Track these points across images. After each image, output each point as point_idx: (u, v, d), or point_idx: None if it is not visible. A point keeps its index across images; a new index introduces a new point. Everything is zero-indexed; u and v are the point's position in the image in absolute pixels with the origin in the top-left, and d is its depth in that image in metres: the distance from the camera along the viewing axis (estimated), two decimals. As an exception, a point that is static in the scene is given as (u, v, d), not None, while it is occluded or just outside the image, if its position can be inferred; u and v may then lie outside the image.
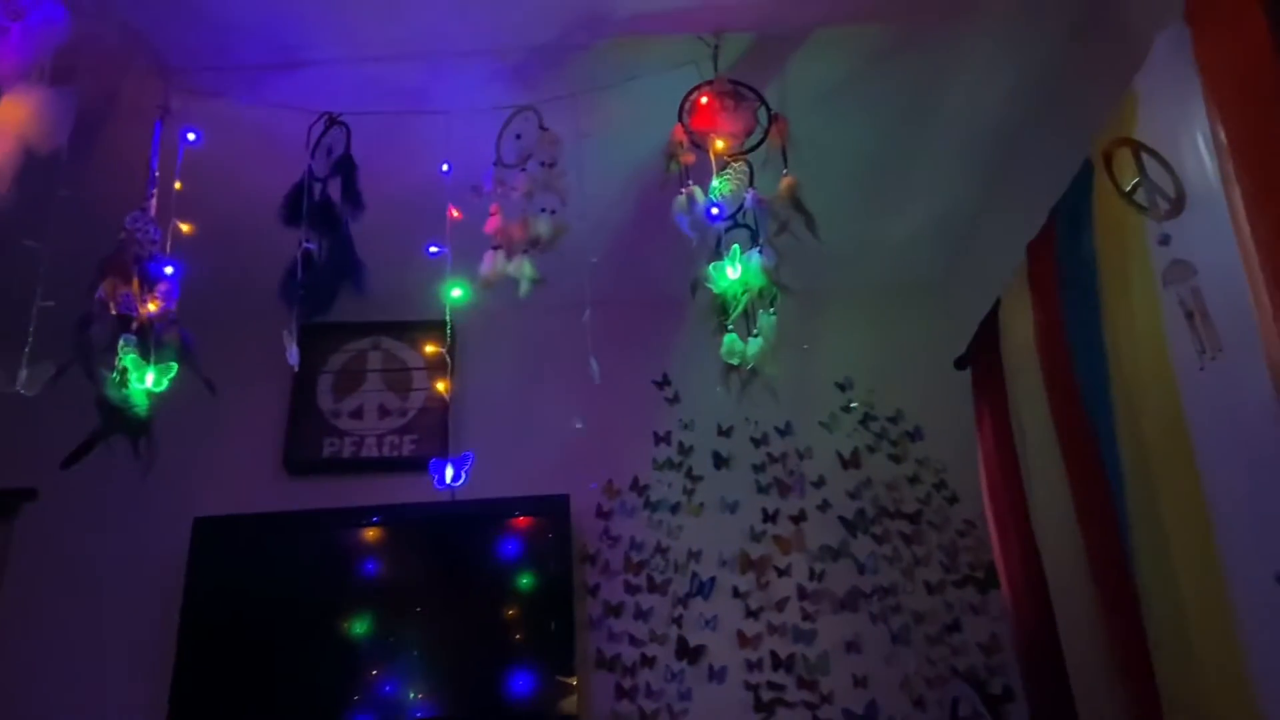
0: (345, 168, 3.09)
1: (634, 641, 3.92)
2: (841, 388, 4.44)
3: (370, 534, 4.04)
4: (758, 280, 2.87)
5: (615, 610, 3.97)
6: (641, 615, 3.97)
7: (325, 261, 3.06)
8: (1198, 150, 2.15)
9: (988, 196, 3.84)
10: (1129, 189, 2.31)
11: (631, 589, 4.01)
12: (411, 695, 3.72)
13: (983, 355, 3.79)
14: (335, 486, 4.17)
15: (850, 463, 4.30)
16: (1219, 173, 2.05)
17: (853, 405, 4.36)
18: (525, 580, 3.91)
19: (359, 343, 4.42)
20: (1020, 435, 3.33)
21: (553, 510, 4.01)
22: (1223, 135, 2.03)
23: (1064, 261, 2.91)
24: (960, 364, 4.09)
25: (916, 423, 4.37)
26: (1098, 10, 2.90)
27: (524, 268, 2.93)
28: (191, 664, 3.66)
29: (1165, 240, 2.24)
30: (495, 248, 2.98)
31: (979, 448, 3.90)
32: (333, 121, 3.10)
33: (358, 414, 4.29)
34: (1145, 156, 2.26)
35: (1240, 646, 2.04)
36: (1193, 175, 2.20)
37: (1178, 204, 2.19)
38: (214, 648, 3.72)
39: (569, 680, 3.69)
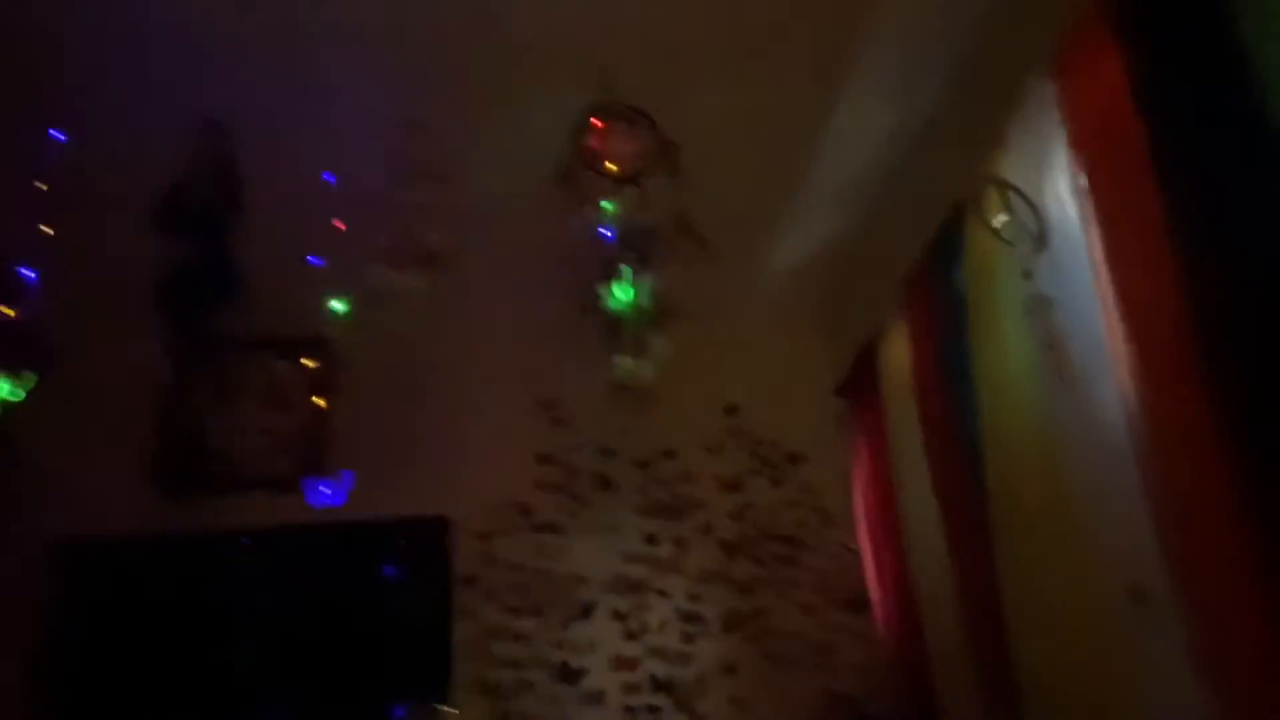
0: (225, 176, 2.99)
1: (513, 665, 3.87)
2: (728, 412, 4.51)
3: (244, 557, 3.89)
4: (647, 303, 2.90)
5: (494, 633, 3.91)
6: (521, 639, 3.92)
7: (202, 272, 2.95)
8: (1059, 192, 2.30)
9: (871, 229, 3.98)
10: (997, 226, 2.44)
11: (512, 612, 3.96)
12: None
13: (861, 383, 3.93)
14: (209, 506, 3.98)
15: (732, 486, 4.37)
16: (1079, 213, 2.19)
17: None
18: (403, 604, 3.82)
19: (237, 357, 4.24)
20: (895, 461, 3.45)
21: (432, 532, 3.94)
22: (1083, 179, 2.18)
23: (937, 294, 3.05)
24: (840, 392, 4.22)
25: (797, 448, 4.46)
26: (973, 61, 3.05)
27: (412, 283, 2.89)
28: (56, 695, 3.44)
29: (1028, 275, 2.38)
30: (382, 262, 2.93)
31: (855, 473, 4.03)
32: (212, 127, 3.00)
33: (234, 431, 4.12)
34: (1013, 196, 2.40)
35: (1098, 661, 2.15)
36: (1054, 215, 2.34)
37: (1040, 241, 2.33)
38: (78, 681, 3.50)
39: (447, 707, 3.61)
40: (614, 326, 2.99)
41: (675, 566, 4.17)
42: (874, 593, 3.82)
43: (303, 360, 4.23)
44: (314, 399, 4.12)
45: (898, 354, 3.40)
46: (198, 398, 4.16)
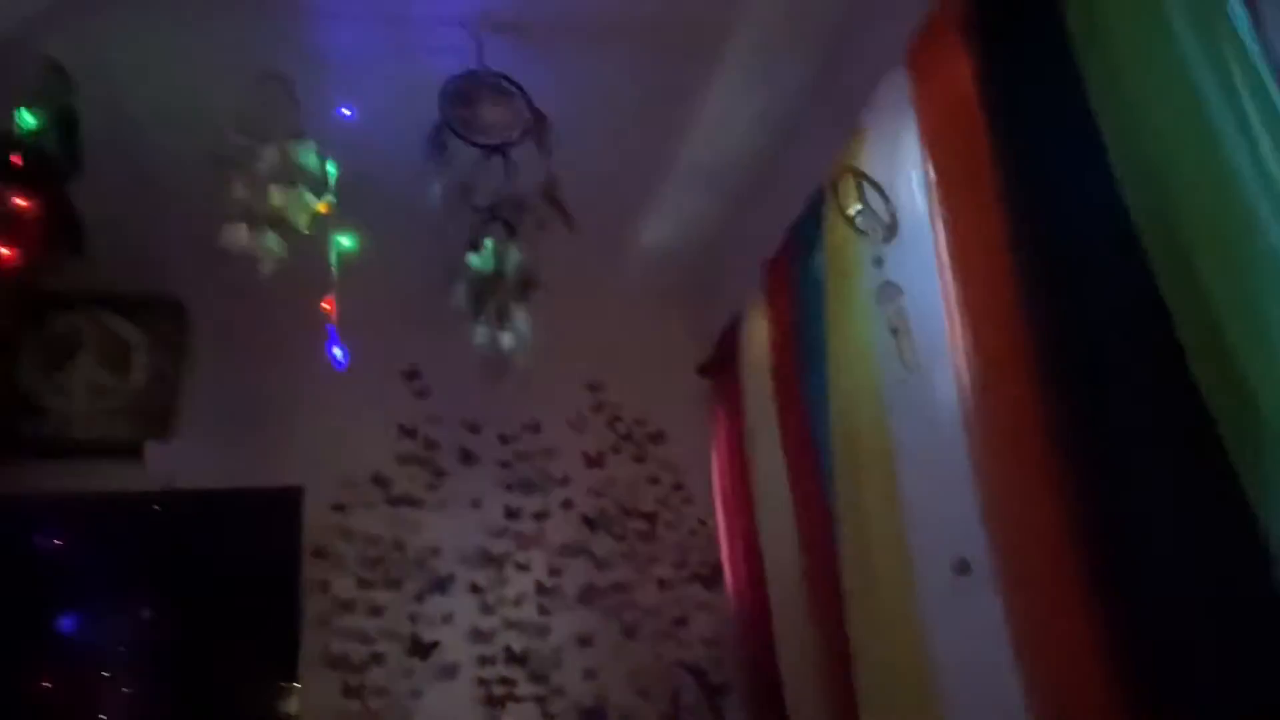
0: (66, 119, 2.82)
1: (364, 639, 3.80)
2: (592, 389, 4.53)
3: (77, 525, 3.69)
4: (513, 274, 2.89)
5: (346, 607, 3.84)
6: (374, 612, 3.85)
7: (38, 225, 2.78)
8: (910, 183, 2.40)
9: (738, 212, 4.06)
10: (852, 214, 2.53)
11: (365, 585, 3.89)
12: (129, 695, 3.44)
13: (722, 363, 4.02)
14: (37, 470, 3.74)
15: (595, 462, 4.40)
16: (927, 205, 2.30)
17: None
18: (250, 576, 3.70)
19: (71, 315, 3.98)
20: (750, 440, 3.55)
21: (284, 502, 3.82)
22: (932, 171, 2.28)
23: (797, 278, 3.14)
24: (702, 371, 4.31)
25: (660, 425, 4.53)
26: (836, 52, 3.15)
27: (267, 243, 2.78)
28: None
29: (879, 262, 2.48)
30: (236, 220, 2.80)
31: (714, 451, 4.12)
32: (52, 68, 2.81)
33: (65, 391, 3.87)
34: (867, 186, 2.49)
35: (922, 627, 2.28)
36: (905, 205, 2.45)
37: (892, 230, 2.43)
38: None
39: (292, 680, 3.53)
40: (479, 297, 2.96)
41: (536, 541, 4.18)
42: (726, 567, 3.93)
43: (147, 320, 4.01)
44: (159, 361, 3.92)
45: (758, 335, 3.49)
46: (30, 356, 3.90)
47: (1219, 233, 1.50)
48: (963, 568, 2.15)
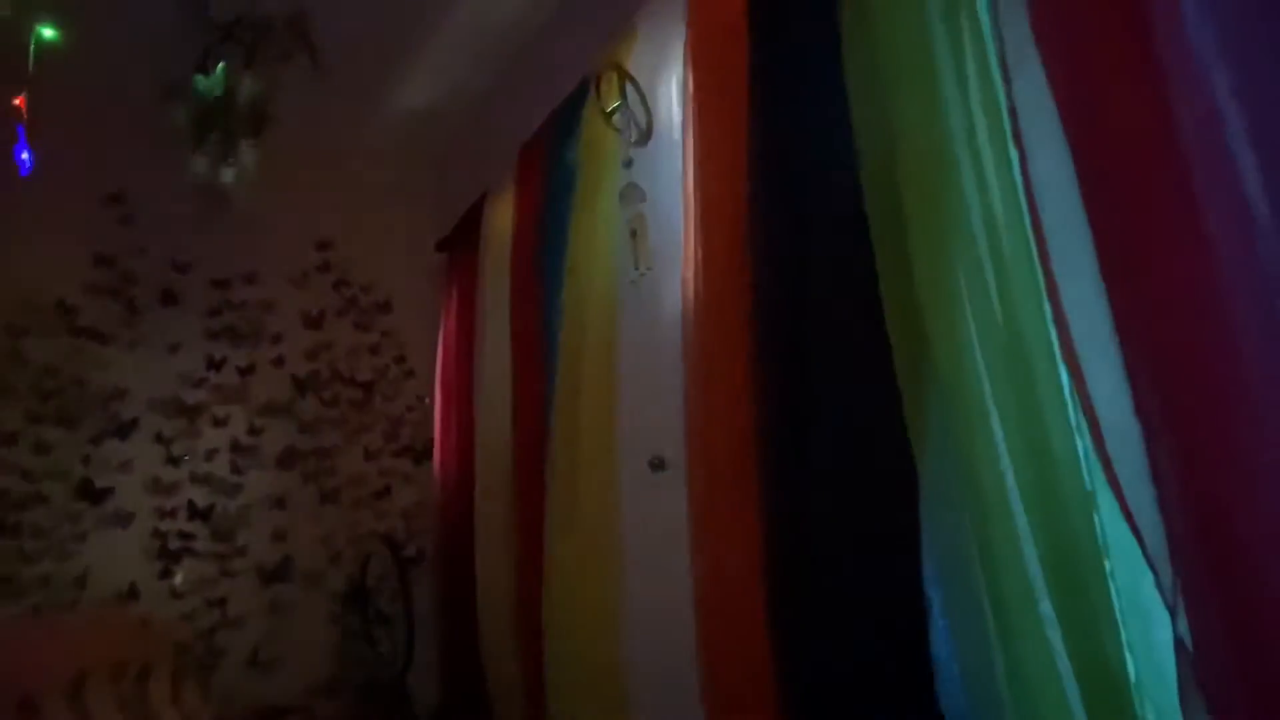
0: None
1: (27, 476, 3.46)
2: (321, 247, 4.30)
3: None
4: (245, 104, 2.65)
5: (9, 439, 3.46)
6: (42, 449, 3.51)
7: None
8: (671, 92, 2.44)
9: (501, 87, 3.94)
10: (610, 111, 2.54)
11: (35, 419, 3.52)
12: None
13: (463, 241, 3.94)
14: None
15: (314, 323, 4.21)
16: (682, 117, 2.34)
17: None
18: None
19: None
20: (481, 320, 3.54)
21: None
22: (691, 85, 2.32)
23: (550, 167, 3.12)
24: (441, 246, 4.21)
25: (389, 295, 4.40)
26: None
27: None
28: None
29: (629, 164, 2.52)
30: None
31: (442, 328, 4.07)
32: None
33: None
34: (630, 86, 2.50)
35: (617, 512, 2.41)
36: (662, 112, 2.49)
37: (646, 134, 2.47)
38: None
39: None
40: (202, 123, 2.70)
41: (238, 396, 3.96)
42: (437, 441, 3.94)
43: None
44: None
45: (503, 217, 3.45)
46: None
47: (929, 201, 1.64)
48: (659, 464, 2.28)
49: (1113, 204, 1.32)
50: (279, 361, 4.08)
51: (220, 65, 2.60)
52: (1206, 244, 1.19)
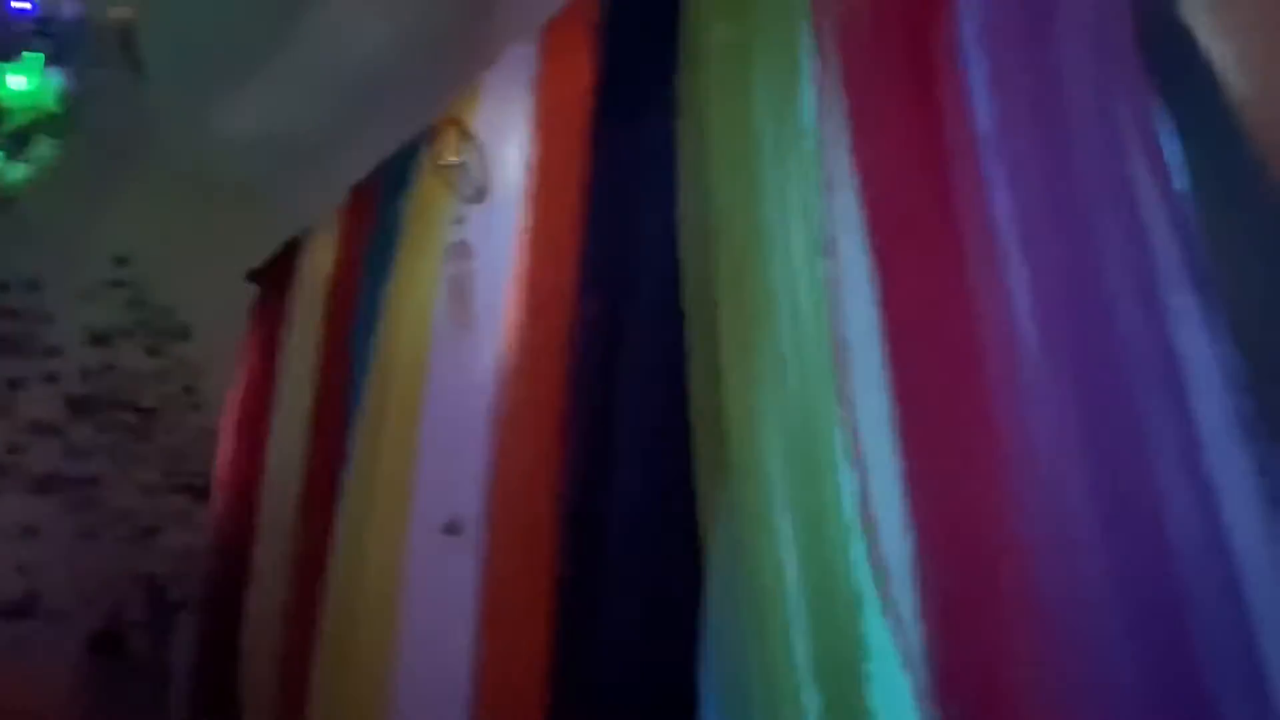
0: None
1: None
2: (119, 262, 4.01)
3: None
4: (49, 102, 2.47)
5: None
6: None
7: None
8: (512, 155, 2.44)
9: (336, 124, 3.84)
10: (447, 166, 2.52)
11: None
12: None
13: (277, 275, 3.77)
14: None
15: (99, 341, 3.90)
16: (521, 183, 2.35)
17: None
18: None
19: None
20: (284, 358, 3.38)
21: None
22: (534, 153, 2.34)
23: (379, 213, 3.05)
24: (253, 277, 4.02)
25: (189, 320, 4.14)
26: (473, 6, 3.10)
27: None
28: None
29: (461, 221, 2.49)
30: None
31: (241, 362, 3.86)
32: None
33: None
34: (469, 143, 2.50)
35: (401, 576, 2.32)
36: (501, 175, 2.49)
37: (481, 193, 2.46)
38: None
39: None
40: (-1, 114, 2.49)
41: (2, 410, 3.60)
42: (220, 481, 3.69)
43: None
44: None
45: (322, 255, 3.33)
46: None
47: (740, 295, 1.69)
48: (453, 528, 2.22)
49: (903, 321, 1.41)
50: (52, 377, 3.75)
51: (29, 55, 2.42)
52: (984, 376, 1.30)
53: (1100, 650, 1.13)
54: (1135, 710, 1.10)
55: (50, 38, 2.50)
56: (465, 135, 2.48)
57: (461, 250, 2.45)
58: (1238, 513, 1.10)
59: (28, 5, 2.49)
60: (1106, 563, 1.15)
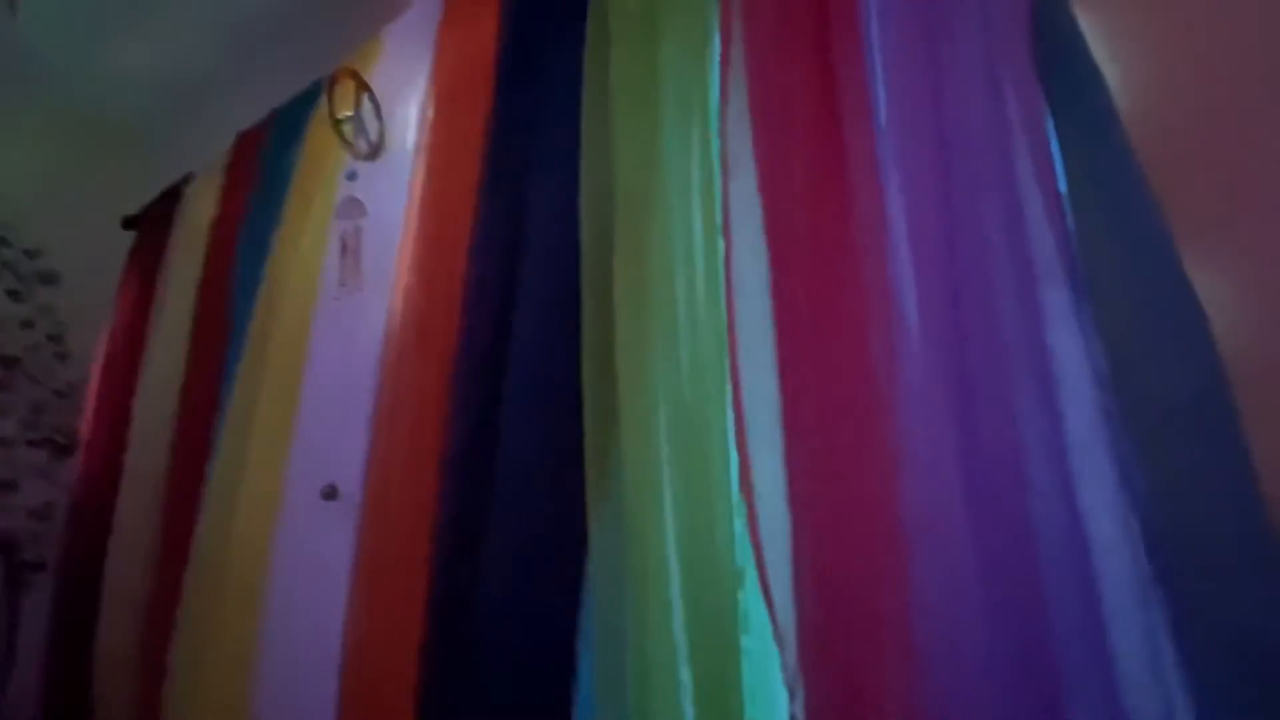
0: None
1: None
2: (-20, 197, 3.75)
3: None
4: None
5: None
6: None
7: None
8: (409, 112, 2.37)
9: (228, 67, 3.66)
10: (341, 119, 2.43)
11: None
12: None
13: (155, 222, 3.59)
14: None
15: (-45, 282, 3.64)
16: (416, 141, 2.28)
17: None
18: None
19: None
20: (159, 311, 3.22)
21: None
22: (431, 111, 2.27)
23: (266, 162, 2.92)
24: (129, 223, 3.81)
25: (56, 266, 3.89)
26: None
27: None
28: None
29: (353, 176, 2.41)
30: None
31: (113, 311, 3.67)
32: None
33: None
34: (366, 98, 2.41)
35: (270, 542, 2.24)
36: (397, 132, 2.41)
37: (376, 149, 2.38)
38: None
39: None
40: None
41: None
42: (85, 435, 3.50)
43: None
44: None
45: (204, 204, 3.18)
46: None
47: (638, 269, 1.68)
48: (331, 493, 2.15)
49: (793, 306, 1.43)
50: (-104, 319, 3.49)
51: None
52: (868, 364, 1.33)
53: (965, 633, 1.17)
54: (993, 682, 1.14)
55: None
56: (363, 88, 2.40)
57: (353, 207, 2.37)
58: (1095, 504, 1.15)
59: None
60: (974, 550, 1.19)
